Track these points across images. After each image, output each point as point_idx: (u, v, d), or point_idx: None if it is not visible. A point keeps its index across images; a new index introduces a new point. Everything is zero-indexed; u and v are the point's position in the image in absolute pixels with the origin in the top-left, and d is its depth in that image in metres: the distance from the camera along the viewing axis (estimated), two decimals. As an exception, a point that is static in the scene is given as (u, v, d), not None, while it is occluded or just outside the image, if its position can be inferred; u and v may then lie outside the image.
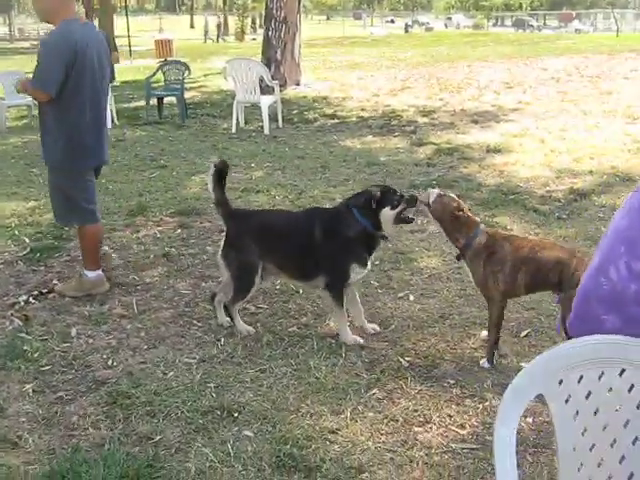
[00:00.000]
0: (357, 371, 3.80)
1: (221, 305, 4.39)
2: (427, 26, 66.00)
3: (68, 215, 4.97)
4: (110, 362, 3.97)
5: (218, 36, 48.82)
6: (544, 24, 73.01)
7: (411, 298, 4.76)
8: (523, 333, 4.21)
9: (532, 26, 65.75)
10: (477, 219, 3.98)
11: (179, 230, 6.32)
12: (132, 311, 4.64)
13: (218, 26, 49.54)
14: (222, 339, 4.19)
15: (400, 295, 4.79)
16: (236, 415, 3.39)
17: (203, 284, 5.08)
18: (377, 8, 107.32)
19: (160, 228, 6.39)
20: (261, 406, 3.47)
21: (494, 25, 74.88)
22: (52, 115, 4.63)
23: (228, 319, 4.35)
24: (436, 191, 4.00)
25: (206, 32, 49.33)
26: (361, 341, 4.10)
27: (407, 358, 3.93)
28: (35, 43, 48.77)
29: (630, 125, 10.86)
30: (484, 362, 3.87)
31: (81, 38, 4.55)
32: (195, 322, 4.45)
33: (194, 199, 7.31)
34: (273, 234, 4.28)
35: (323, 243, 4.11)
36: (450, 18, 77.46)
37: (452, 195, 4.03)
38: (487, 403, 3.48)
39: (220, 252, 4.32)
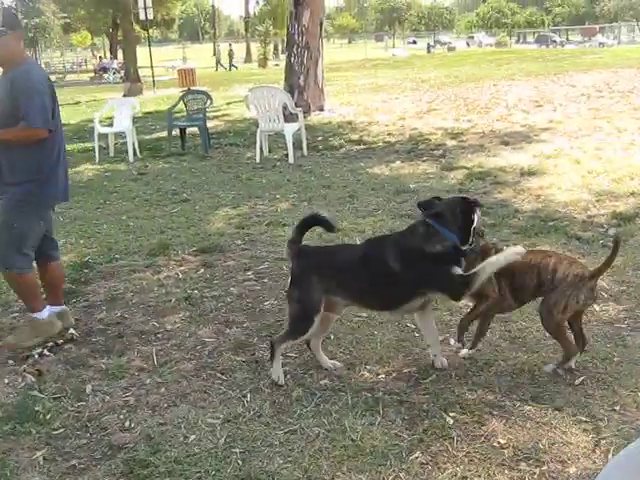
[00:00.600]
0: (397, 431, 3.43)
1: (319, 349, 4.15)
2: (449, 45, 65.71)
3: (12, 258, 4.58)
4: (127, 423, 3.65)
5: (230, 64, 48.96)
6: (567, 39, 72.50)
7: (452, 342, 4.39)
8: (577, 381, 3.82)
9: (555, 42, 65.26)
10: None
11: (202, 270, 6.01)
12: (152, 363, 4.33)
13: (229, 54, 49.66)
14: (248, 395, 3.85)
15: (439, 339, 4.42)
16: (264, 487, 3.05)
17: (227, 330, 4.75)
18: (398, 29, 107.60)
19: (182, 268, 6.10)
20: (292, 475, 3.12)
21: (517, 42, 74.58)
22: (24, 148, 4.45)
23: (334, 362, 4.13)
24: None
25: (218, 60, 49.52)
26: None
27: (451, 414, 3.56)
28: (60, 76, 49.42)
29: (669, 142, 10.43)
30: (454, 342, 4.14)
31: (47, 76, 4.64)
32: (219, 375, 4.12)
33: (217, 235, 7.03)
34: (350, 268, 3.97)
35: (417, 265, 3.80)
36: (472, 37, 77.29)
37: None
38: (545, 467, 3.10)
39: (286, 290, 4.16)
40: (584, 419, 3.46)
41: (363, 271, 3.91)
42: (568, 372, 3.90)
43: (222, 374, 4.13)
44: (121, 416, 3.73)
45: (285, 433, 3.46)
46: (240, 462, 3.25)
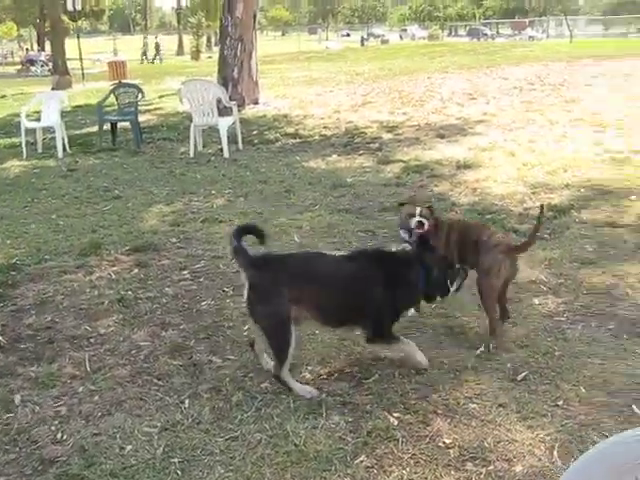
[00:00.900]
0: (341, 433, 3.35)
1: (263, 352, 3.96)
2: (382, 38, 65.97)
3: None
4: (59, 435, 3.47)
5: (155, 57, 48.11)
6: (497, 32, 73.67)
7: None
8: (520, 377, 3.81)
9: (486, 35, 66.28)
10: None
11: (136, 270, 5.82)
12: (84, 370, 4.14)
13: (156, 47, 48.77)
14: (186, 401, 3.71)
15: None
16: (205, 499, 2.93)
17: (163, 333, 4.58)
18: (332, 22, 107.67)
19: (115, 268, 5.89)
20: (234, 485, 3.01)
21: (448, 35, 75.44)
22: None
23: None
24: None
25: (144, 53, 48.53)
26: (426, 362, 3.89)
27: (395, 414, 3.49)
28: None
29: (599, 134, 10.63)
30: None
31: None
32: (155, 381, 3.96)
33: (151, 233, 6.82)
34: (317, 279, 3.78)
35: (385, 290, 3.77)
36: (405, 30, 77.79)
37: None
38: (491, 467, 3.06)
39: (246, 308, 3.80)
40: (528, 415, 3.44)
41: (342, 285, 3.80)
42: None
43: (159, 379, 3.98)
44: (52, 427, 3.55)
45: (226, 440, 3.34)
46: (179, 472, 3.12)
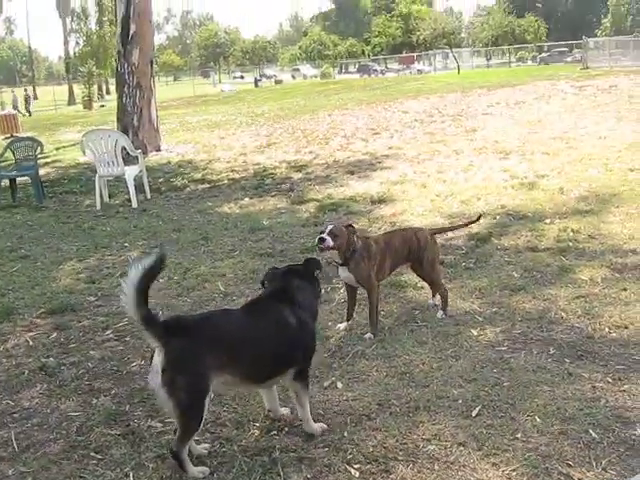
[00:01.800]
0: (302, 493, 3.17)
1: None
2: (276, 79, 66.68)
3: None
4: (-9, 528, 3.16)
5: (27, 109, 46.85)
6: (386, 67, 75.77)
7: (339, 386, 4.19)
8: (474, 412, 3.73)
9: (376, 70, 68.13)
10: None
11: (55, 334, 5.47)
12: (12, 450, 3.78)
13: (26, 99, 47.49)
14: (130, 474, 3.43)
15: (326, 384, 4.21)
16: None
17: (94, 401, 4.28)
18: (223, 64, 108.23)
19: (32, 334, 5.52)
20: None
21: (339, 72, 77.04)
22: None
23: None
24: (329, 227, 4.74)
25: (15, 107, 46.88)
26: (325, 426, 3.66)
27: (356, 465, 3.33)
28: None
29: (504, 160, 10.92)
30: (369, 335, 4.83)
31: None
32: (93, 454, 3.66)
33: (67, 292, 6.47)
34: (239, 337, 3.45)
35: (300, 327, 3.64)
36: (298, 69, 78.90)
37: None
38: (463, 513, 2.95)
39: (160, 380, 3.20)
40: (490, 452, 3.36)
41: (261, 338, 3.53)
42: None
43: (96, 452, 3.68)
44: (-17, 519, 3.23)
45: (179, 514, 3.11)
46: None
